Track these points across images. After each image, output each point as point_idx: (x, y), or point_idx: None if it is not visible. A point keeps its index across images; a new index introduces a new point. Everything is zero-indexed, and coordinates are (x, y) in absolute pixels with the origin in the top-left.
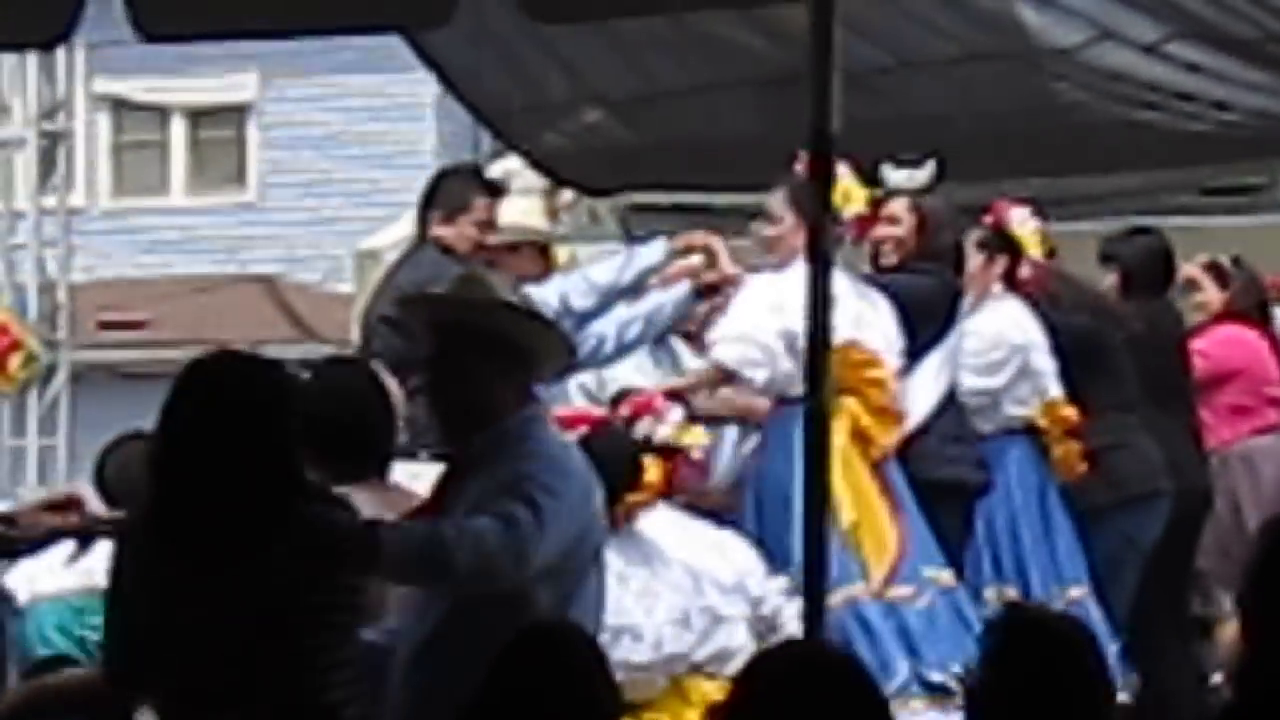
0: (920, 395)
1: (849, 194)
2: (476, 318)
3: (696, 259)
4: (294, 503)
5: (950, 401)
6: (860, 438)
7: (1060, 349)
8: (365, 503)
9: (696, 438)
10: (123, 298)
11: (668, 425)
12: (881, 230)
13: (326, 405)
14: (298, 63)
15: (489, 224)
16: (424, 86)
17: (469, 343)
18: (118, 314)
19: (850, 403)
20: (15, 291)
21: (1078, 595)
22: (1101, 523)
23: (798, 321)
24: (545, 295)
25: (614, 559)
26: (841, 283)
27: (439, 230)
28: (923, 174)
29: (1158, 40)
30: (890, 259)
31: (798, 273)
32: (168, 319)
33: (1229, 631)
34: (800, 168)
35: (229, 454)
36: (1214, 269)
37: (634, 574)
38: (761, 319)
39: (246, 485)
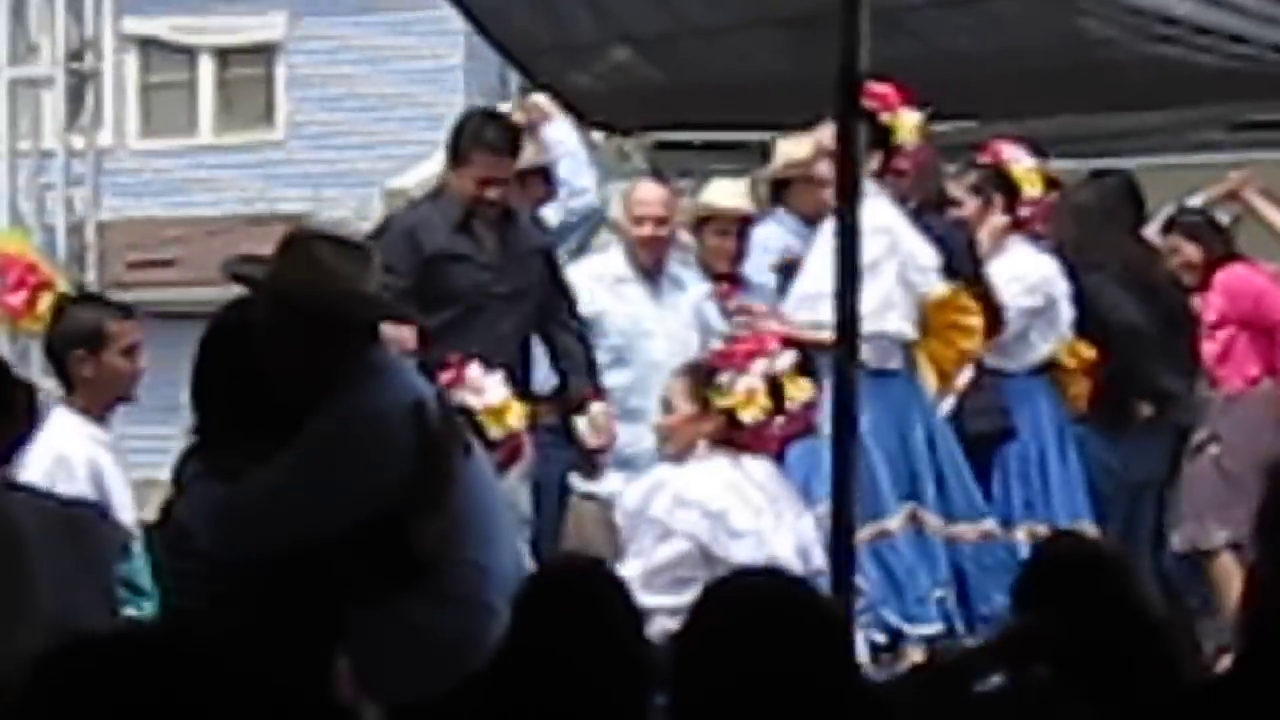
0: None
1: (908, 126)
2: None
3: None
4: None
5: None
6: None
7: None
8: None
9: (803, 390)
10: (151, 237)
11: (781, 365)
12: None
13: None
14: (326, 2)
15: (488, 181)
16: (453, 25)
17: (279, 320)
18: (146, 254)
19: (936, 346)
20: (44, 231)
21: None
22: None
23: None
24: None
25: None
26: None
27: (446, 176)
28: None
29: None
30: None
31: (885, 208)
32: (196, 258)
33: (1222, 564)
34: (866, 101)
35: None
36: (1186, 230)
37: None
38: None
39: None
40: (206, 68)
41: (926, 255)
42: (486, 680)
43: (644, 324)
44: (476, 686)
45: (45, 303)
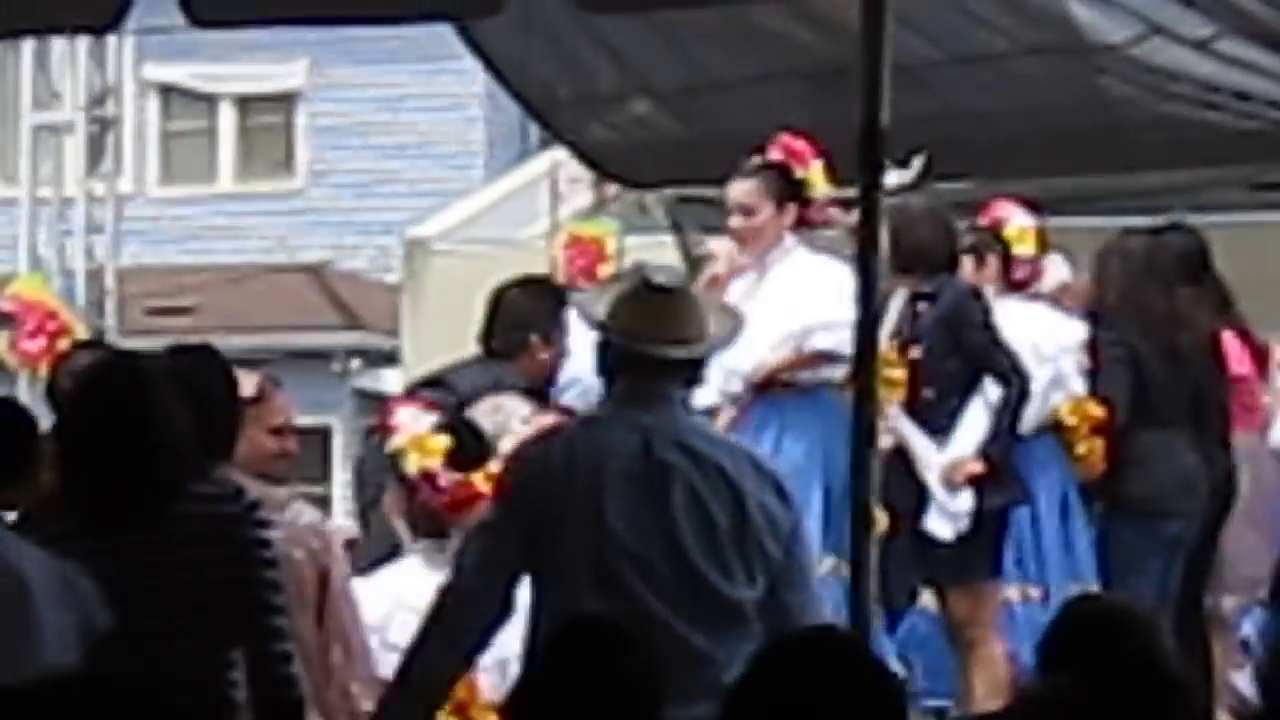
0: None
1: (818, 180)
2: None
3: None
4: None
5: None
6: None
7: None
8: None
9: None
10: (170, 285)
11: None
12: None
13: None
14: (347, 50)
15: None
16: (474, 76)
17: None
18: (165, 301)
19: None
20: (64, 277)
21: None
22: (1130, 526)
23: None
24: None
25: None
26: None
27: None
28: (896, 175)
29: (1208, 37)
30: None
31: (829, 262)
32: (215, 306)
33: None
34: (773, 155)
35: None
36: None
37: None
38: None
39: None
40: (227, 115)
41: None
42: None
43: None
44: None
45: (65, 348)
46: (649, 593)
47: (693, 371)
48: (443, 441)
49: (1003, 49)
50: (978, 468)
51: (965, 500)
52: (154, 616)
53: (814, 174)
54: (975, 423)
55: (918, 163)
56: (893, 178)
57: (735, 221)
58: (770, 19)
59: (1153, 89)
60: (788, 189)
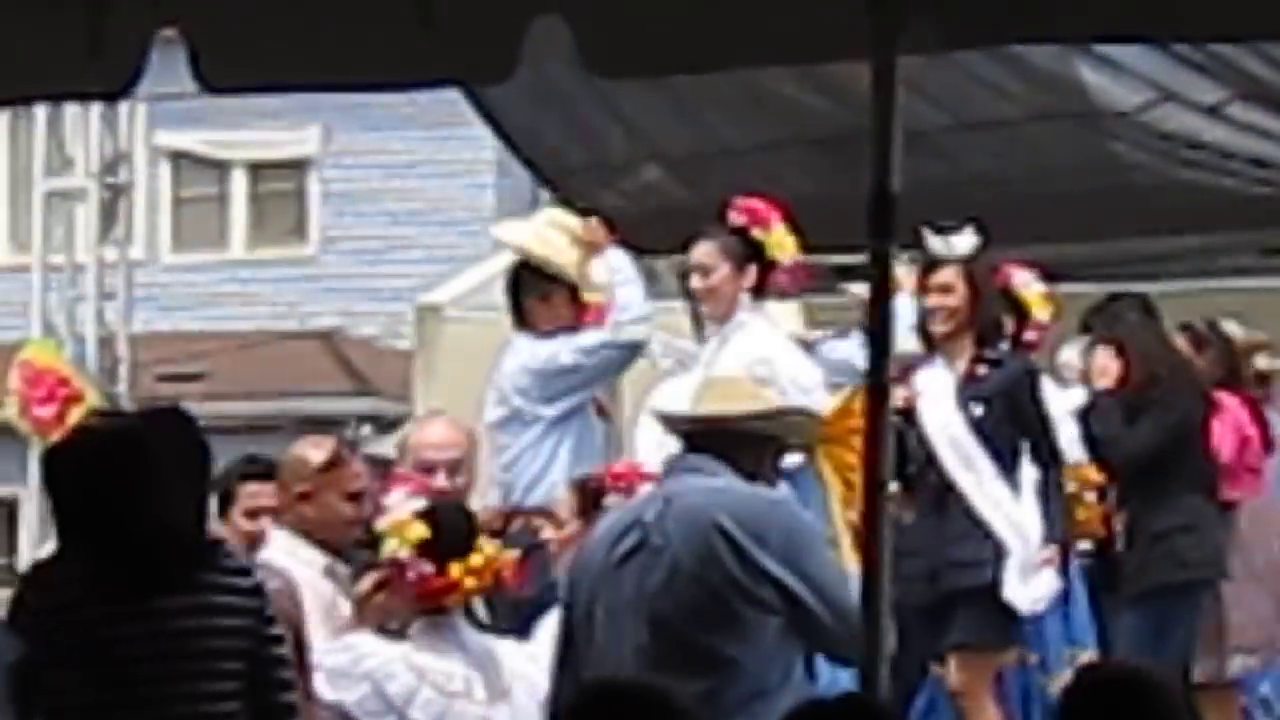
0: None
1: (781, 243)
2: None
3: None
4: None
5: None
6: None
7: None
8: None
9: None
10: (181, 351)
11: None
12: (935, 299)
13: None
14: (359, 117)
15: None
16: (485, 142)
17: None
18: (176, 367)
19: (840, 453)
20: (75, 343)
21: (1086, 660)
22: (1161, 601)
23: None
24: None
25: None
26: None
27: None
28: (966, 240)
29: (1219, 102)
30: (943, 328)
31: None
32: (226, 373)
33: None
34: (734, 217)
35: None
36: (1189, 332)
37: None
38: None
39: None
40: (239, 182)
41: (809, 376)
42: None
43: None
44: None
45: (77, 415)
46: None
47: None
48: (421, 531)
49: (1013, 115)
50: (1055, 557)
51: (1050, 581)
52: (180, 680)
53: (775, 236)
54: (1031, 505)
55: (973, 231)
56: (941, 243)
57: (694, 282)
58: (780, 85)
59: (1164, 154)
60: (746, 251)
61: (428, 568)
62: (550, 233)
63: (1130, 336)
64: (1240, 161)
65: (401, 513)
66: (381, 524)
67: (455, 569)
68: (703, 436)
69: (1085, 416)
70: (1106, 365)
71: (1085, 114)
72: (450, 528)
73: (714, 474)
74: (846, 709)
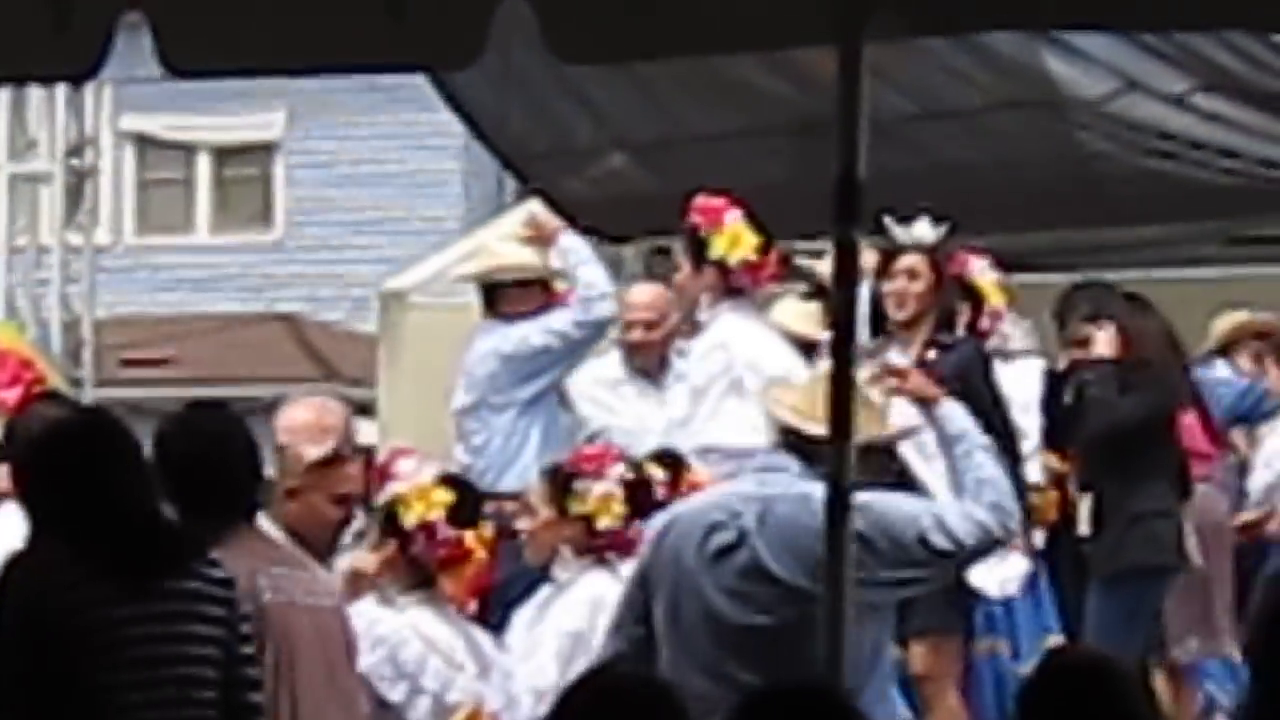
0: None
1: (737, 239)
2: None
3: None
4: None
5: None
6: None
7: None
8: (234, 556)
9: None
10: (146, 335)
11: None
12: (900, 285)
13: (192, 448)
14: (324, 101)
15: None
16: (451, 128)
17: None
18: (141, 352)
19: None
20: (39, 327)
21: (1055, 643)
22: (1135, 583)
23: None
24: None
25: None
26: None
27: None
28: (930, 229)
29: (1185, 92)
30: (903, 314)
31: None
32: (190, 357)
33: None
34: (691, 216)
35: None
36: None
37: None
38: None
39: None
40: (204, 166)
41: (774, 363)
42: None
43: (647, 424)
44: None
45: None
46: None
47: None
48: (446, 495)
49: (979, 104)
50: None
51: (1019, 564)
52: (173, 663)
53: (725, 234)
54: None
55: (932, 220)
56: (906, 231)
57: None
58: (746, 73)
59: (1129, 144)
60: (691, 248)
61: (453, 532)
62: (504, 247)
63: (1130, 318)
64: (1206, 151)
65: (422, 478)
66: (398, 489)
67: (470, 537)
68: (804, 440)
69: (1048, 400)
70: (1110, 338)
71: (1051, 103)
72: (469, 495)
73: (797, 474)
74: (805, 695)
